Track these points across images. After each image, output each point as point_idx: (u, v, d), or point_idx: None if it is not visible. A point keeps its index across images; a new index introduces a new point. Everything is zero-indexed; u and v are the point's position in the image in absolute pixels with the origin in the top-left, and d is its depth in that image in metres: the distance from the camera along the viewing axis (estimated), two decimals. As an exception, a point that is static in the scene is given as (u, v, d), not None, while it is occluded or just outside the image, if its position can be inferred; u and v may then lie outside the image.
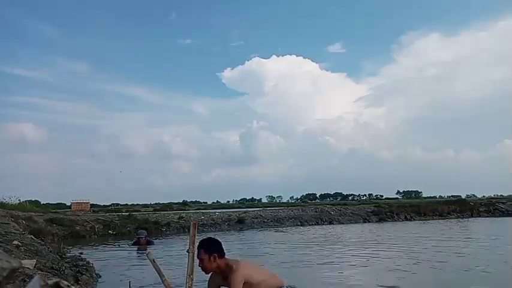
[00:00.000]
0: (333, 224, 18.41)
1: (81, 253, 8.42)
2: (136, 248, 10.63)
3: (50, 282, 1.63)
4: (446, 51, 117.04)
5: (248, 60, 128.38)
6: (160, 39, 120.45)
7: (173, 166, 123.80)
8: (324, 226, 17.45)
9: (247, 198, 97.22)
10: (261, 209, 23.39)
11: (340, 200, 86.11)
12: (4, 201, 15.95)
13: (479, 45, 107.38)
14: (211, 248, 3.62)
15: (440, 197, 65.70)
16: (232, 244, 10.76)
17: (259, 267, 4.04)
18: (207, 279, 3.72)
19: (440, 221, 18.83)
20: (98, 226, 14.98)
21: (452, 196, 49.60)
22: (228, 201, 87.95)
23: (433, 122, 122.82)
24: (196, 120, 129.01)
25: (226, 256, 3.64)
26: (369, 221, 19.00)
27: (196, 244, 3.72)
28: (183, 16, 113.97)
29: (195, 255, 3.67)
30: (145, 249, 9.64)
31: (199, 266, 3.66)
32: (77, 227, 14.46)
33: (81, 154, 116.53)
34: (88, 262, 6.72)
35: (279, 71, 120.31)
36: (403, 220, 19.51)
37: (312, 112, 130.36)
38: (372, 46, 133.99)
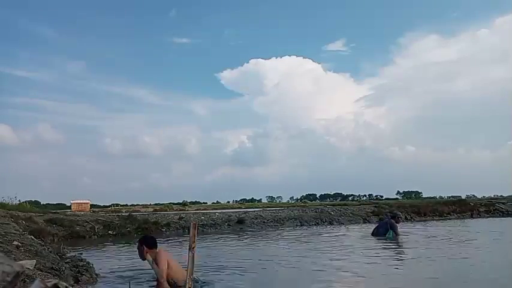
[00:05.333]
0: (333, 224, 18.40)
1: (81, 253, 8.39)
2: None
3: (49, 284, 1.63)
4: (447, 50, 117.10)
5: (247, 62, 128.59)
6: (159, 39, 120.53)
7: (173, 166, 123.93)
8: (324, 226, 17.43)
9: (247, 198, 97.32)
10: (261, 209, 23.33)
11: (340, 201, 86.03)
12: (4, 201, 15.94)
13: (480, 43, 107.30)
14: (143, 242, 5.35)
15: (440, 197, 65.58)
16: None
17: (173, 259, 5.46)
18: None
19: (440, 221, 18.80)
20: (97, 226, 14.95)
21: (452, 196, 49.49)
22: (228, 202, 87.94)
23: (433, 122, 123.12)
24: (195, 120, 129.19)
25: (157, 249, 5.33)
26: (369, 222, 18.97)
27: (197, 245, 3.85)
28: (182, 15, 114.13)
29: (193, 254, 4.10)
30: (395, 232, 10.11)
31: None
32: (76, 227, 14.43)
33: (81, 154, 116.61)
34: (88, 262, 6.69)
35: (278, 72, 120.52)
36: (402, 220, 19.46)
37: (312, 112, 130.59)
38: (373, 46, 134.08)
